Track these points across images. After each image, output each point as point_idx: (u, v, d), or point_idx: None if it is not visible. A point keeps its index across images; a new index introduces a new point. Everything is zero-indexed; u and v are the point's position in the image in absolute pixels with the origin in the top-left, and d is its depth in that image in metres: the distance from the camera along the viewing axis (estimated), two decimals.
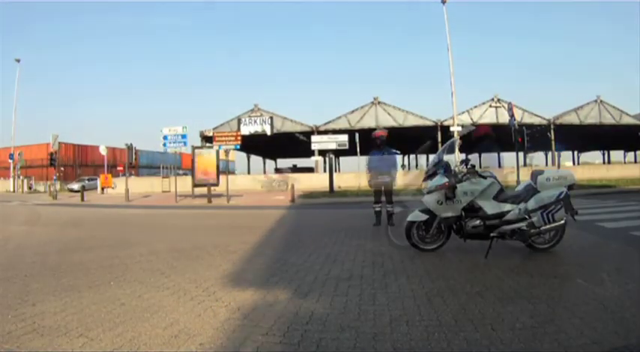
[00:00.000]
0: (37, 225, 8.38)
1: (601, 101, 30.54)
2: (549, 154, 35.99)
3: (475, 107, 29.88)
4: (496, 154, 50.47)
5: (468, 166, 4.43)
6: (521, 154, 23.81)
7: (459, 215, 4.29)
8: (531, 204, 4.08)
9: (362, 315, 2.55)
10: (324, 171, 27.41)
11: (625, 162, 47.04)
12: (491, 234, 4.21)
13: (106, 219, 9.77)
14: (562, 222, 4.12)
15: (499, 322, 2.36)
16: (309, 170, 31.82)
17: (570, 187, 4.14)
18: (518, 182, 13.94)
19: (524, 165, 31.74)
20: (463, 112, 29.13)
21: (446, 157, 4.65)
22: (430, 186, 4.44)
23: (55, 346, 2.16)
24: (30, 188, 29.32)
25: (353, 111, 30.05)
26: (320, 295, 2.99)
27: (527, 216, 4.07)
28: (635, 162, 45.56)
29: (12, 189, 29.56)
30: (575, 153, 49.14)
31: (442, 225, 4.44)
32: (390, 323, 2.41)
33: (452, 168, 4.49)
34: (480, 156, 54.75)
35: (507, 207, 4.20)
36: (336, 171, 28.78)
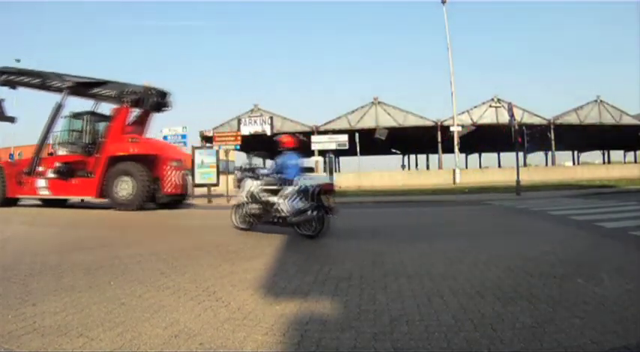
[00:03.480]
0: (37, 225, 8.37)
1: (601, 101, 30.56)
2: (549, 154, 36.00)
3: (475, 107, 29.91)
4: (496, 154, 50.47)
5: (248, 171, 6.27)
6: (521, 154, 23.85)
7: (246, 202, 6.08)
8: (282, 194, 5.63)
9: (362, 315, 2.54)
10: (324, 171, 27.41)
11: (625, 162, 47.10)
12: (264, 220, 5.89)
13: (105, 219, 9.77)
14: (309, 213, 5.32)
15: (499, 322, 2.36)
16: (309, 170, 31.80)
17: (327, 189, 5.44)
18: (518, 182, 13.94)
19: (524, 165, 31.83)
20: (463, 112, 29.16)
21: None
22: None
23: (55, 346, 2.16)
24: None
25: (353, 112, 30.07)
26: (320, 295, 2.99)
27: (281, 201, 5.54)
28: (635, 162, 45.59)
29: None
30: (575, 153, 49.17)
31: (244, 211, 6.18)
32: (390, 323, 2.41)
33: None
34: (480, 157, 54.56)
35: (274, 198, 5.70)
36: (336, 171, 28.80)
